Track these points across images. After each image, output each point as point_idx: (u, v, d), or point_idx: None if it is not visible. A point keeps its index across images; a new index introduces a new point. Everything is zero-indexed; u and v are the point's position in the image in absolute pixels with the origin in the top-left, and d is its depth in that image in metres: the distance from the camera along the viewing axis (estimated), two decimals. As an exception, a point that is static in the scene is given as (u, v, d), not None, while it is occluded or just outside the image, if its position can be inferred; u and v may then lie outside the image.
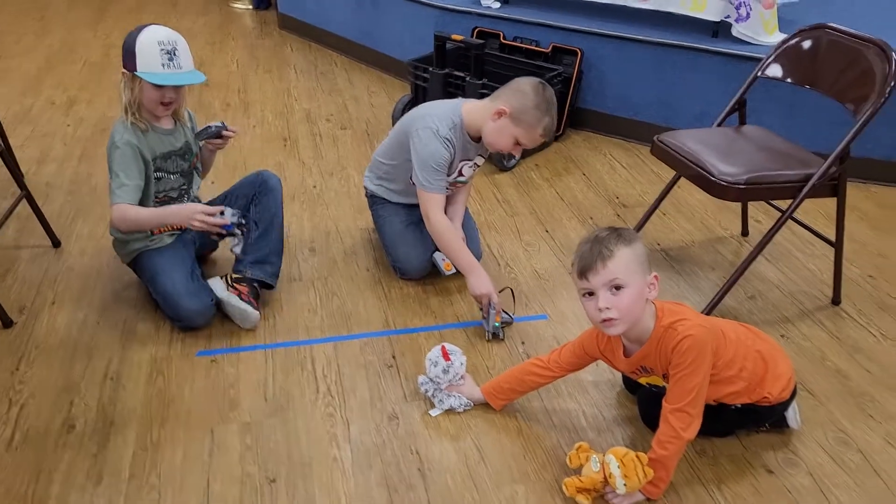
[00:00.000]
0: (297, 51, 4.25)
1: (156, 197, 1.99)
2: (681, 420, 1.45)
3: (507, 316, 2.02)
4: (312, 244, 2.39)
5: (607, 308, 1.42)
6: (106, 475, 1.57)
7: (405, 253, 2.18)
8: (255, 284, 2.04)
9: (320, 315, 2.08)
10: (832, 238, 2.09)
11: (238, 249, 2.00)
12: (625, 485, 1.46)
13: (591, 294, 1.45)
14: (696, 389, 1.45)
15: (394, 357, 1.92)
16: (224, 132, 2.03)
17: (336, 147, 3.07)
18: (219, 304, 1.99)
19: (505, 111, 1.94)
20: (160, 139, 1.97)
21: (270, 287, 2.08)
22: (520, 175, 2.88)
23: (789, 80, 2.13)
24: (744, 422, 1.65)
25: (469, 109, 2.04)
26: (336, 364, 1.90)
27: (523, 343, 1.98)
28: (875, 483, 1.58)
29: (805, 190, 1.92)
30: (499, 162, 2.87)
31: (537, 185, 2.81)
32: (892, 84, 1.85)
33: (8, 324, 2.00)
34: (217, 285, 2.02)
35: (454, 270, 2.11)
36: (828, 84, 2.01)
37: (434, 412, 1.73)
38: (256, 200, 2.09)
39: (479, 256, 2.26)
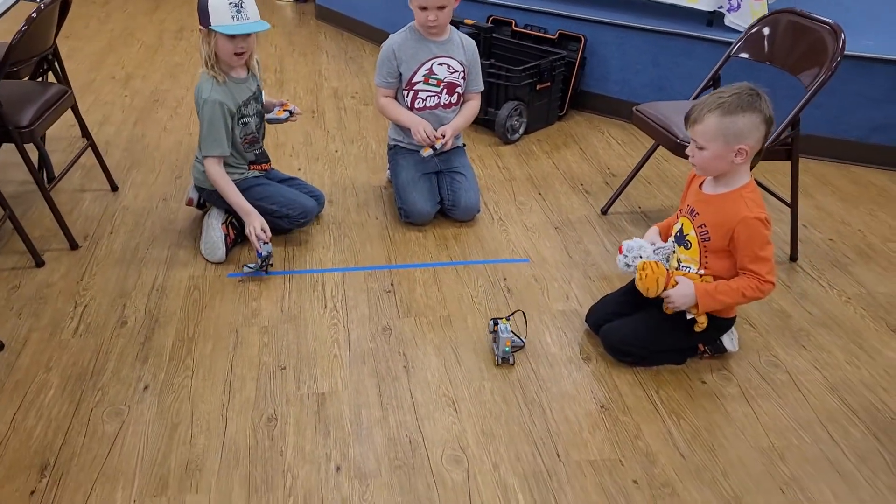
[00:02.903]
0: (330, 38, 4.62)
1: (244, 139, 2.33)
2: (754, 284, 1.75)
3: (518, 340, 1.97)
4: (330, 197, 2.72)
5: (691, 155, 1.81)
6: (151, 357, 1.93)
7: (413, 199, 2.50)
8: (240, 239, 2.38)
9: (332, 251, 2.41)
10: (788, 200, 2.35)
11: (246, 270, 2.24)
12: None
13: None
14: (765, 260, 1.74)
15: (392, 285, 2.24)
16: (290, 119, 2.45)
17: (358, 120, 3.42)
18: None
19: None
20: (238, 87, 2.29)
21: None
22: (522, 147, 3.18)
23: (753, 58, 2.39)
24: (701, 334, 1.89)
25: None
26: (343, 288, 2.22)
27: (505, 279, 2.28)
28: (795, 395, 1.84)
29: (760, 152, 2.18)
30: (503, 136, 3.18)
31: (536, 156, 3.10)
32: (839, 60, 2.10)
33: (74, 246, 2.38)
34: (216, 215, 2.36)
35: (431, 153, 2.48)
36: (783, 60, 2.27)
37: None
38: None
39: (476, 210, 2.58)
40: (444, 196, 2.57)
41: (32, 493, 1.55)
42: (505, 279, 2.28)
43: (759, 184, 2.44)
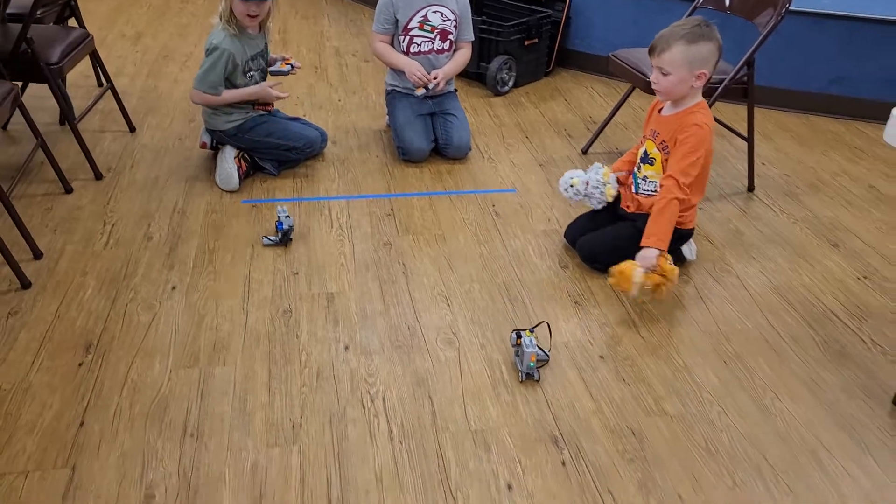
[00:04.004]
0: (330, 4, 4.83)
1: None
2: (671, 185, 1.99)
3: (542, 354, 1.81)
4: (334, 139, 2.96)
5: (655, 82, 2.02)
6: (176, 264, 2.17)
7: (409, 137, 2.74)
8: (252, 171, 2.64)
9: (337, 183, 2.65)
10: (745, 134, 2.61)
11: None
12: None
13: (653, 66, 2.05)
14: (689, 168, 1.99)
15: (392, 209, 2.49)
16: (291, 72, 2.71)
17: (359, 74, 3.64)
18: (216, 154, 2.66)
19: None
20: (250, 43, 2.52)
21: (273, 175, 2.66)
22: (511, 99, 3.42)
23: (716, 8, 2.64)
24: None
25: None
26: (347, 211, 2.47)
27: (494, 206, 2.53)
28: (742, 294, 2.11)
29: (720, 90, 2.43)
30: (493, 88, 3.41)
31: (525, 106, 3.35)
32: (787, 6, 2.35)
33: (99, 177, 2.61)
34: (229, 150, 2.59)
35: (424, 91, 2.72)
36: (741, 7, 2.52)
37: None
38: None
39: (467, 148, 2.82)
40: (438, 136, 2.81)
41: (80, 364, 1.79)
42: (493, 205, 2.53)
43: (720, 122, 2.72)
